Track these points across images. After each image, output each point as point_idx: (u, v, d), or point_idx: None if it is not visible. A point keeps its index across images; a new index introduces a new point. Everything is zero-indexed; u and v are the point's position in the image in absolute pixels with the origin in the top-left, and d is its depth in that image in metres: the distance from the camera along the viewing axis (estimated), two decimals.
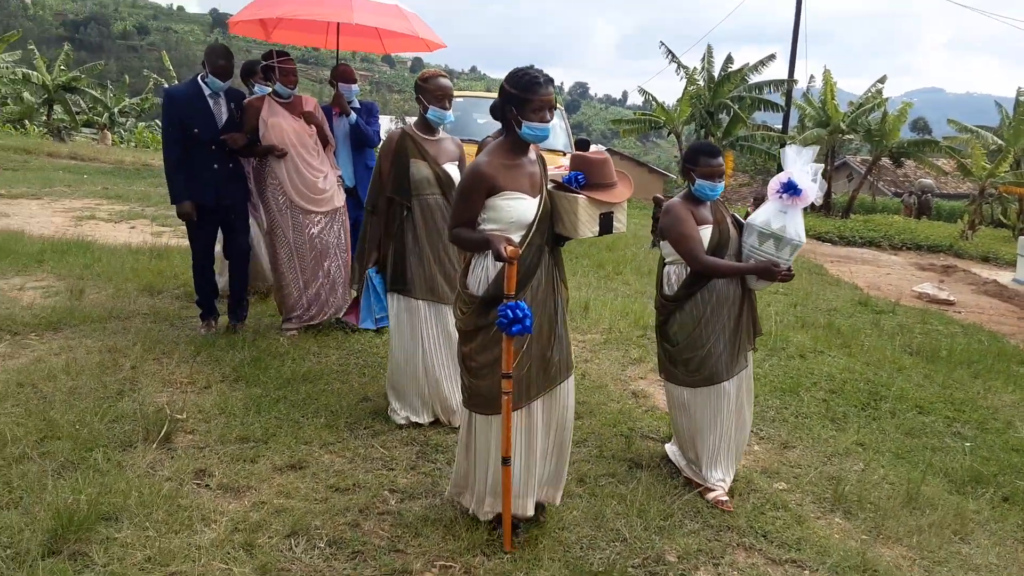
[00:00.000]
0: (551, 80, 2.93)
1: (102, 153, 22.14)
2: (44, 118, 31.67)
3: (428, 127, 4.12)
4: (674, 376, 3.79)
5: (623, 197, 3.07)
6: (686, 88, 23.76)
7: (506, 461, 2.97)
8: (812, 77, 26.97)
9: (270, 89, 5.44)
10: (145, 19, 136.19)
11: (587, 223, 2.98)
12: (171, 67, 34.40)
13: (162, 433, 3.66)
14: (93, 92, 33.53)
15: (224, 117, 5.14)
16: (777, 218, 3.57)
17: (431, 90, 4.03)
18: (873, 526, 3.68)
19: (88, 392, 4.16)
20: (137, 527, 2.94)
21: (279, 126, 5.22)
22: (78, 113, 33.01)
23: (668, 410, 3.95)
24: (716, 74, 23.73)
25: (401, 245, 4.06)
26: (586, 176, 3.05)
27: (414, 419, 4.15)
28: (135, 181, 16.07)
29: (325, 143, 5.51)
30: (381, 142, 4.52)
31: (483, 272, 3.01)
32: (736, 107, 23.48)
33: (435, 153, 4.09)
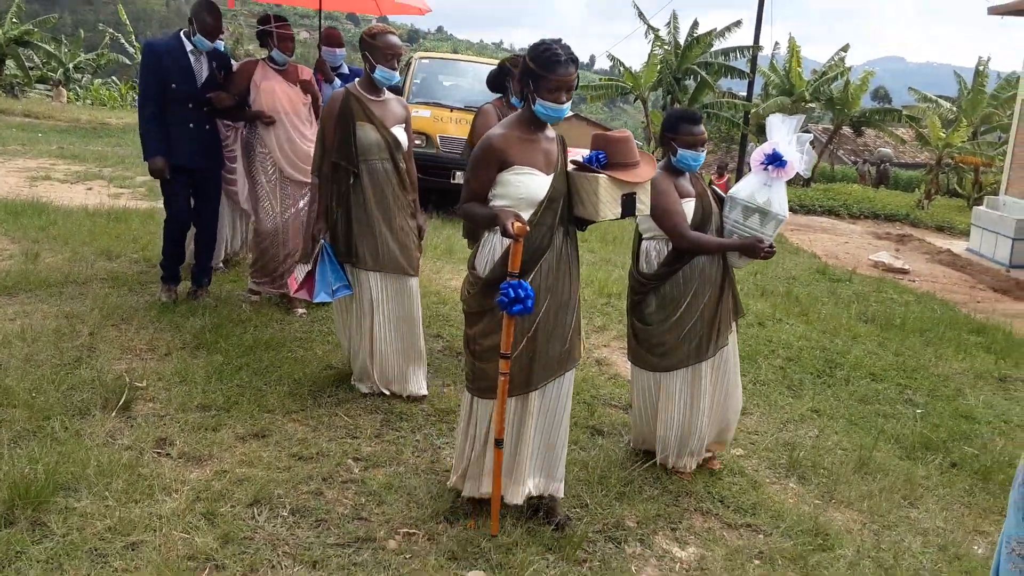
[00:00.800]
0: (575, 60, 2.79)
1: (57, 111, 21.48)
2: None
3: (373, 87, 3.93)
4: (644, 360, 3.61)
5: (646, 177, 2.93)
6: (651, 52, 23.68)
7: (499, 443, 2.90)
8: (777, 44, 27.09)
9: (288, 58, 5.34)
10: None
11: (609, 204, 2.84)
12: (127, 21, 33.46)
13: (121, 401, 3.61)
14: (47, 47, 32.37)
15: (204, 75, 4.95)
16: (761, 191, 3.45)
17: (380, 48, 3.82)
18: (826, 491, 3.79)
19: (44, 359, 4.08)
20: (96, 497, 2.91)
21: (272, 90, 5.05)
22: (31, 69, 31.92)
23: (632, 398, 3.79)
24: (682, 40, 23.68)
25: (347, 213, 3.90)
26: (607, 155, 2.90)
27: (375, 389, 4.10)
28: (92, 140, 15.67)
29: (318, 114, 5.27)
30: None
31: (490, 251, 2.91)
32: (703, 73, 23.50)
33: (381, 115, 3.91)
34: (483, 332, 2.92)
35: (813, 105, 25.27)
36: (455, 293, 6.14)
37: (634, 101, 26.21)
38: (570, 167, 2.96)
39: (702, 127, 3.48)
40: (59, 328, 4.52)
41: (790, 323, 6.90)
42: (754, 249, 3.42)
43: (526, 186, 2.83)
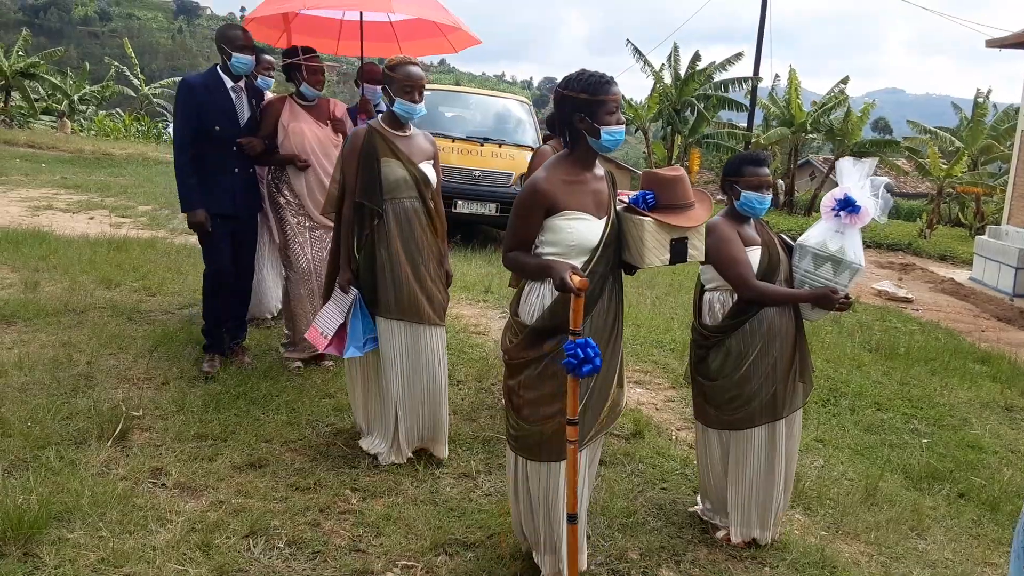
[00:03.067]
0: (613, 78, 2.64)
1: (61, 142, 21.61)
2: (2, 105, 30.87)
3: (397, 122, 3.66)
4: (710, 417, 3.33)
5: (700, 220, 2.70)
6: (654, 86, 23.89)
7: (572, 519, 2.57)
8: (777, 76, 27.27)
9: (272, 82, 5.11)
10: (107, 5, 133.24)
11: (655, 250, 2.63)
12: (133, 54, 33.82)
13: (117, 431, 3.57)
14: (52, 79, 32.72)
15: (246, 115, 4.56)
16: (833, 239, 3.22)
17: (399, 80, 3.55)
18: (832, 522, 3.73)
19: (41, 388, 4.05)
20: (90, 527, 2.87)
21: (300, 132, 4.66)
22: (37, 100, 32.22)
23: (698, 457, 3.53)
24: (683, 72, 23.88)
25: (371, 257, 3.57)
26: (656, 195, 2.70)
27: (387, 458, 3.69)
28: (95, 171, 15.74)
29: None
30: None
31: (539, 299, 2.67)
32: (701, 105, 23.67)
33: (408, 151, 3.62)
34: (526, 385, 2.69)
35: (814, 136, 25.41)
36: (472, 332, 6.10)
37: (635, 132, 26.33)
38: (619, 207, 2.77)
39: (767, 168, 3.27)
40: (56, 357, 4.50)
41: None
42: (828, 300, 3.15)
43: (578, 232, 2.60)
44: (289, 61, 4.76)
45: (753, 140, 23.37)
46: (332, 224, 4.59)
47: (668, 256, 2.66)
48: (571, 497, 2.54)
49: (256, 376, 4.48)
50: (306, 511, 3.16)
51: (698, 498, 3.64)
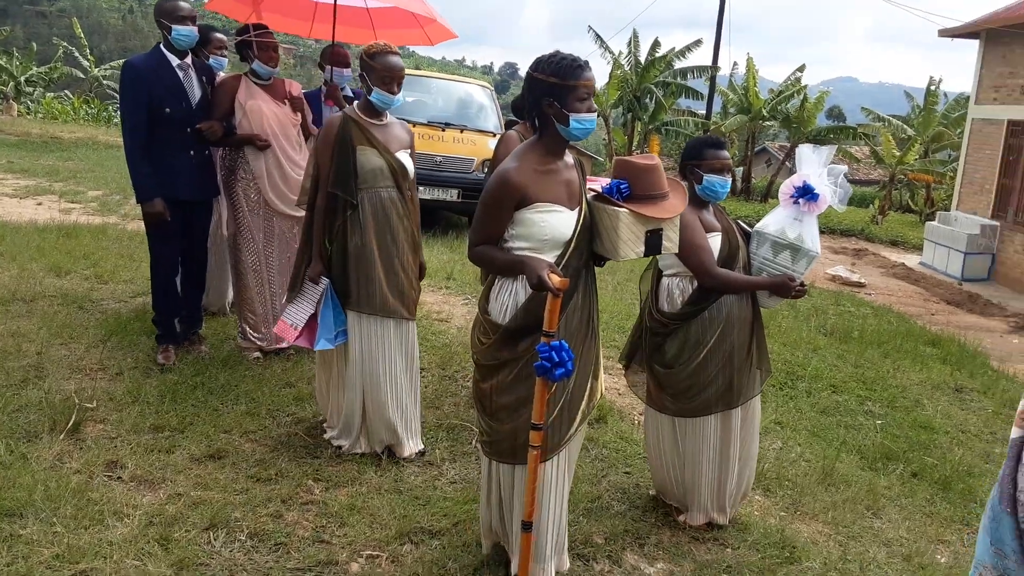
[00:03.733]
0: (587, 62, 2.49)
1: (7, 125, 20.91)
2: None
3: (373, 110, 3.52)
4: (662, 404, 3.32)
5: (675, 211, 2.59)
6: (612, 72, 23.91)
7: (526, 527, 2.51)
8: (735, 64, 27.52)
9: (227, 62, 4.90)
10: None
11: (630, 242, 2.52)
12: (82, 35, 32.77)
13: (70, 423, 3.48)
14: None
15: (198, 93, 4.34)
16: (792, 226, 3.20)
17: (378, 69, 3.41)
18: (791, 502, 3.79)
19: None
20: (43, 523, 2.79)
21: (259, 110, 4.45)
22: None
23: (648, 443, 3.52)
24: (643, 59, 23.95)
25: (343, 249, 3.46)
26: (630, 185, 2.58)
27: (351, 449, 3.63)
28: (43, 155, 15.25)
29: (307, 135, 4.73)
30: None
31: (511, 297, 2.55)
32: (660, 93, 23.78)
33: (384, 139, 3.51)
34: (499, 388, 2.58)
35: (771, 123, 25.71)
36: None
37: (595, 118, 26.35)
38: (588, 195, 2.67)
39: (727, 152, 3.24)
40: (4, 347, 4.35)
41: None
42: (785, 287, 3.14)
43: (551, 226, 2.48)
44: (240, 38, 4.59)
45: (712, 127, 23.56)
46: (288, 212, 4.56)
47: (643, 248, 2.56)
48: (528, 504, 2.48)
49: (214, 366, 4.39)
50: (268, 502, 3.12)
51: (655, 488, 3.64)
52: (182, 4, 4.23)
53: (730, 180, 3.23)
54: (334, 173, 3.42)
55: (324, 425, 3.80)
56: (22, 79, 31.76)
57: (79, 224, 7.79)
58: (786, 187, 3.29)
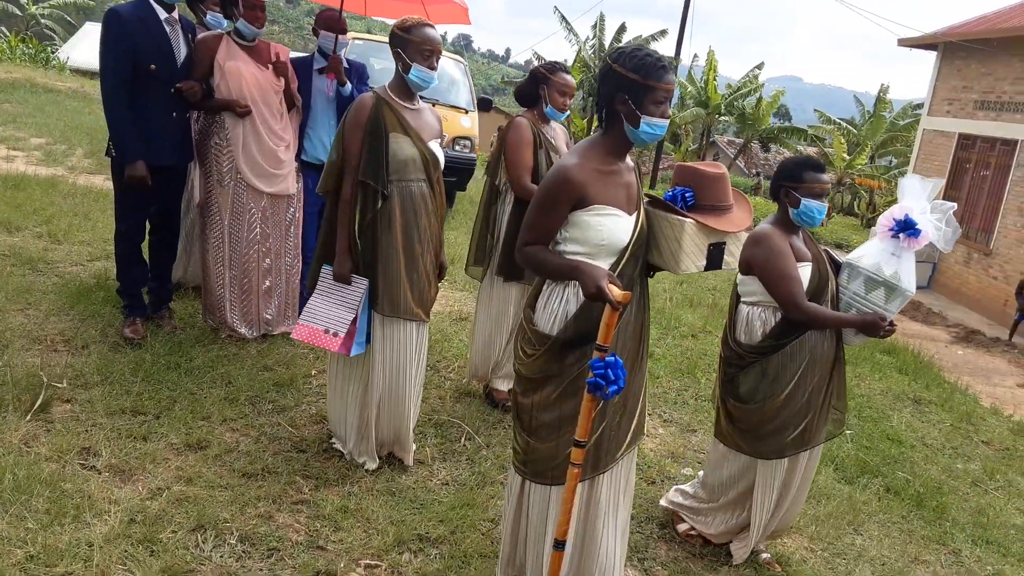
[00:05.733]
0: (673, 64, 2.39)
1: None
2: None
3: (407, 92, 3.20)
4: (732, 439, 3.11)
5: (742, 225, 2.44)
6: (577, 54, 23.81)
7: (559, 545, 2.36)
8: (696, 56, 27.70)
9: (225, 22, 4.49)
10: None
11: (693, 255, 2.36)
12: None
13: (38, 402, 3.21)
14: None
15: (183, 52, 4.01)
16: (889, 262, 2.95)
17: (416, 43, 3.08)
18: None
19: None
20: (14, 518, 2.55)
21: (238, 72, 4.11)
22: None
23: (708, 470, 3.31)
24: (607, 43, 23.89)
25: (373, 245, 3.18)
26: (695, 194, 2.43)
27: (357, 458, 3.38)
28: None
29: (290, 105, 4.39)
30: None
31: (561, 306, 2.36)
32: None
33: (418, 126, 3.20)
34: (544, 404, 2.39)
35: (727, 118, 26.03)
36: None
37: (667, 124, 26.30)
38: (644, 201, 2.49)
39: (827, 175, 3.01)
40: None
41: (719, 334, 6.96)
42: (875, 327, 2.90)
43: (608, 230, 2.30)
44: None
45: (671, 119, 23.73)
46: (260, 188, 4.22)
47: (704, 262, 2.41)
48: (563, 523, 2.33)
49: (187, 344, 4.13)
50: (257, 501, 2.92)
51: (673, 490, 3.52)
52: None
53: (826, 205, 3.01)
54: (365, 161, 3.12)
55: (333, 443, 3.49)
56: None
57: (27, 176, 7.30)
58: (885, 219, 3.03)
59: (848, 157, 23.13)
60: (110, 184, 8.00)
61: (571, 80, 3.98)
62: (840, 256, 3.23)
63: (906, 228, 2.94)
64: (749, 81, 24.46)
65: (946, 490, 4.68)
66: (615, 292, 2.15)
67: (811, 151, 29.36)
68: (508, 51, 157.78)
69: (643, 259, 2.45)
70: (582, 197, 2.28)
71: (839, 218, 25.43)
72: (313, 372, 4.20)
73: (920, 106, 26.15)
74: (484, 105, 10.81)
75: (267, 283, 4.43)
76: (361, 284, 3.22)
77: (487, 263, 4.05)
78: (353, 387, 3.38)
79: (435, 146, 3.30)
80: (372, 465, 3.35)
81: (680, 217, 2.37)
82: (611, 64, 2.31)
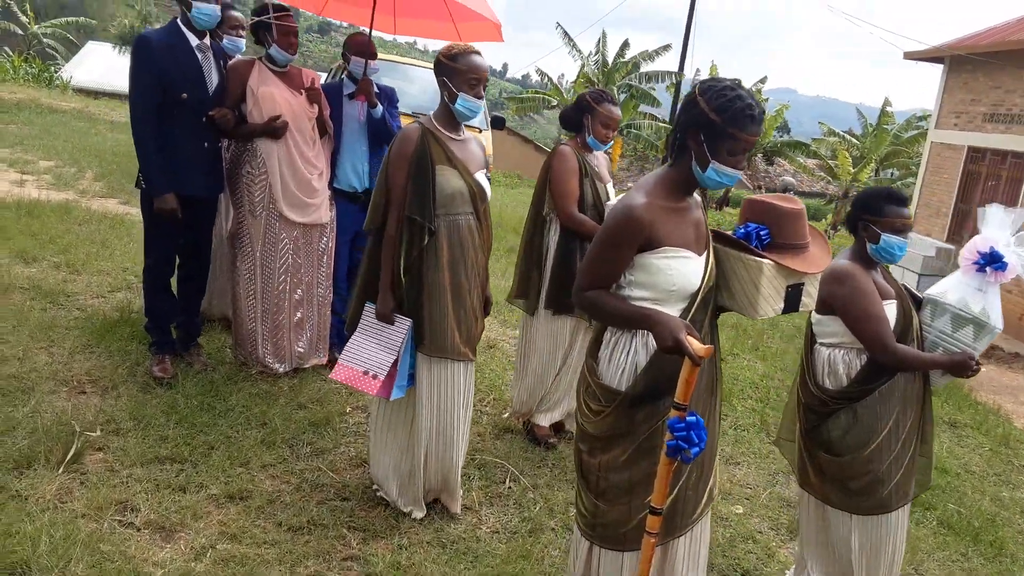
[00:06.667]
0: (764, 113, 2.12)
1: None
2: None
3: (453, 122, 3.07)
4: (825, 494, 2.87)
5: (822, 266, 2.26)
6: (580, 70, 23.78)
7: None
8: (698, 70, 27.69)
9: (244, 44, 4.40)
10: None
11: (770, 298, 2.18)
12: None
13: (71, 453, 3.05)
14: None
15: (215, 80, 3.90)
16: (976, 298, 2.79)
17: (462, 71, 2.96)
18: None
19: None
20: None
21: (271, 98, 3.99)
22: None
23: (802, 528, 3.10)
24: (610, 59, 23.85)
25: (419, 283, 3.03)
26: (772, 231, 2.24)
27: (404, 507, 3.21)
28: None
29: (322, 131, 4.27)
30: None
31: (628, 358, 2.18)
32: (623, 98, 23.78)
33: (464, 158, 3.08)
34: (613, 465, 2.22)
35: None
36: None
37: (558, 111, 26.22)
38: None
39: (908, 208, 2.80)
40: None
41: (747, 358, 6.82)
42: (964, 367, 2.74)
43: (679, 274, 2.13)
44: (258, 19, 4.11)
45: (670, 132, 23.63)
46: (295, 219, 4.09)
47: (782, 305, 2.22)
48: None
49: (218, 382, 3.98)
50: (305, 559, 2.76)
51: (793, 571, 3.29)
52: None
53: (908, 241, 2.80)
54: (411, 195, 2.98)
55: (376, 490, 3.32)
56: None
57: (40, 202, 7.15)
58: (968, 252, 2.88)
59: (853, 170, 23.06)
60: (124, 209, 7.95)
61: (616, 112, 3.86)
62: (919, 291, 3.05)
63: (992, 261, 2.79)
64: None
65: (1000, 522, 4.53)
66: (695, 346, 1.96)
67: (812, 164, 29.32)
68: (506, 65, 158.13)
69: (713, 302, 2.26)
70: (650, 238, 2.10)
71: (843, 230, 25.39)
72: (348, 409, 4.04)
73: (924, 118, 26.21)
74: (497, 123, 10.72)
75: (298, 315, 4.29)
76: (404, 324, 3.06)
77: (532, 295, 3.91)
78: (398, 432, 3.23)
79: (482, 177, 3.17)
80: (420, 514, 3.19)
81: (757, 258, 2.18)
82: (696, 95, 2.10)
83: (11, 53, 30.42)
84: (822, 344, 2.86)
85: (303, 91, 4.15)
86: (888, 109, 24.89)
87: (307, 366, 4.38)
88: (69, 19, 36.46)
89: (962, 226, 14.81)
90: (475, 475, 3.62)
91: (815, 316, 2.86)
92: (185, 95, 3.75)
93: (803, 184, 39.52)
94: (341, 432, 3.78)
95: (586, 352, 2.34)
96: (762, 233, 2.24)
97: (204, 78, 3.85)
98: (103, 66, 37.59)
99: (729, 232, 2.33)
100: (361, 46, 4.43)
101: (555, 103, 24.95)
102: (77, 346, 4.14)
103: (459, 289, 3.08)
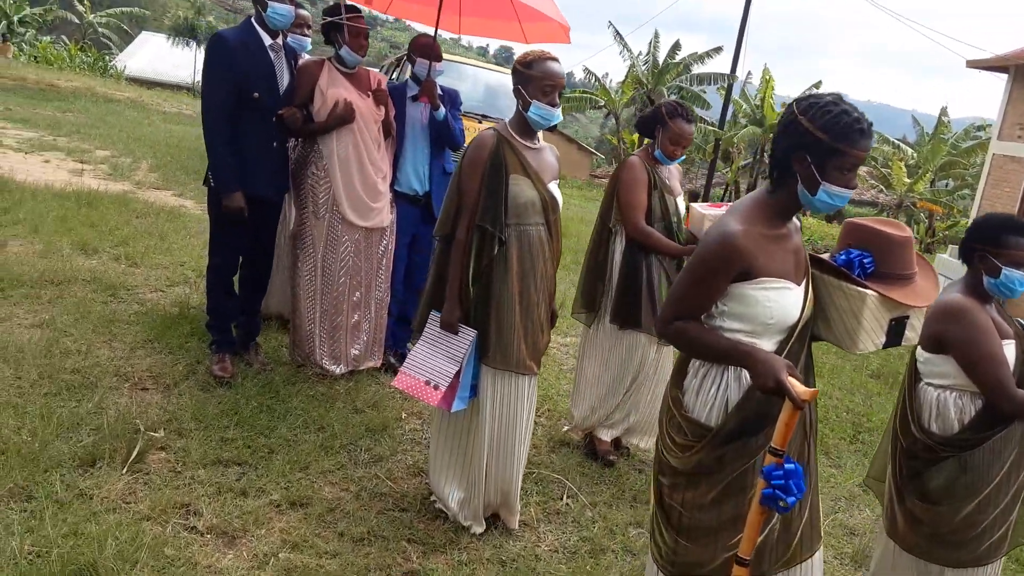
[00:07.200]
0: (872, 126, 1.98)
1: (2, 67, 20.07)
2: None
3: (528, 130, 2.99)
4: (913, 543, 2.65)
5: (930, 299, 2.13)
6: (630, 71, 23.58)
7: None
8: (749, 73, 27.24)
9: (308, 43, 4.40)
10: None
11: (872, 332, 2.05)
12: None
13: (135, 453, 3.04)
14: None
15: (287, 79, 3.90)
16: None
17: (537, 78, 2.87)
18: None
19: (32, 386, 3.46)
20: None
21: (340, 99, 3.97)
22: None
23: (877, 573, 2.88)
24: (661, 60, 23.62)
25: (487, 294, 2.95)
26: (876, 260, 2.11)
27: (463, 521, 3.13)
28: (40, 104, 14.57)
29: (387, 133, 4.24)
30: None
31: (719, 392, 2.05)
32: (675, 96, 23.52)
33: (538, 167, 2.99)
34: (698, 503, 2.08)
35: None
36: None
37: (607, 116, 26.06)
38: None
39: None
40: (43, 342, 3.89)
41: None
42: None
43: (778, 306, 1.98)
44: (330, 19, 4.06)
45: (724, 136, 23.31)
46: (359, 223, 4.06)
47: (884, 339, 2.08)
48: None
49: (277, 383, 3.96)
50: (367, 572, 2.71)
51: None
52: None
53: None
54: (483, 203, 2.90)
55: (435, 502, 3.26)
56: (15, 19, 30.67)
57: (98, 192, 7.25)
58: None
59: (908, 180, 22.52)
60: (179, 201, 8.04)
61: (689, 129, 3.68)
62: None
63: None
64: None
65: None
66: (798, 388, 1.80)
67: (863, 172, 28.71)
68: None
69: (810, 333, 2.12)
70: (747, 268, 1.96)
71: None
72: (403, 415, 4.00)
73: (982, 127, 25.51)
74: None
75: (355, 317, 4.26)
76: (468, 335, 2.99)
77: (597, 308, 3.82)
78: (459, 445, 3.16)
79: (554, 187, 3.09)
80: (479, 529, 3.13)
81: (861, 289, 2.04)
82: (796, 114, 1.96)
83: (68, 41, 31.13)
84: (930, 384, 2.61)
85: (370, 93, 4.11)
86: (943, 119, 24.27)
87: (362, 368, 4.36)
88: (123, 9, 37.23)
89: None
90: (532, 490, 3.55)
91: (922, 354, 2.64)
92: (257, 94, 3.74)
93: (854, 192, 38.93)
94: (398, 439, 3.73)
95: (670, 381, 2.22)
96: (865, 261, 2.10)
97: (276, 78, 3.84)
98: (156, 56, 38.38)
99: (826, 256, 2.19)
100: (426, 48, 4.38)
101: (602, 103, 24.78)
102: (138, 341, 4.16)
103: (528, 301, 3.00)
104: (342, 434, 3.62)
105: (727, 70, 22.95)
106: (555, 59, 2.94)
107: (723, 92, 23.16)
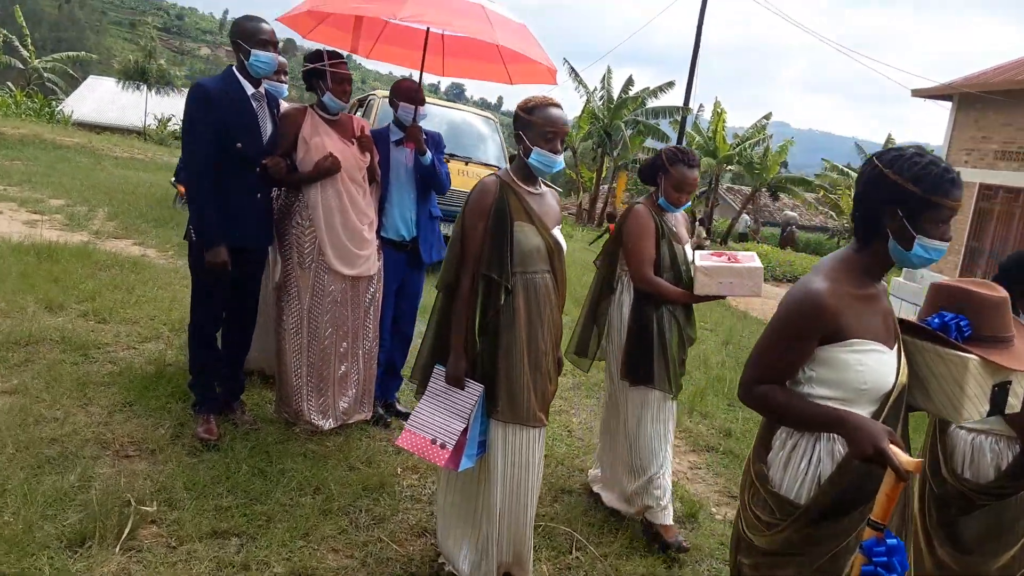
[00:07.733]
0: (960, 175, 1.90)
1: None
2: None
3: (530, 176, 2.92)
4: None
5: None
6: (586, 106, 23.89)
7: None
8: (701, 106, 27.81)
9: (286, 89, 4.30)
10: None
11: (976, 399, 1.93)
12: (24, 23, 31.12)
13: (127, 530, 2.85)
14: None
15: (269, 128, 3.80)
16: None
17: (539, 124, 2.80)
18: None
19: (9, 460, 3.24)
20: None
21: (323, 148, 3.87)
22: None
23: None
24: (615, 95, 23.99)
25: (494, 346, 2.84)
26: (972, 323, 2.00)
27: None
28: None
29: (371, 179, 4.17)
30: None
31: (811, 465, 1.93)
32: (629, 132, 23.87)
33: (542, 213, 2.92)
34: None
35: (733, 167, 26.08)
36: None
37: (564, 150, 26.30)
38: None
39: None
40: (16, 410, 3.67)
41: None
42: None
43: (871, 370, 1.87)
44: (312, 66, 3.98)
45: None
46: (345, 272, 3.96)
47: (988, 407, 1.95)
48: None
49: (266, 442, 3.79)
50: None
51: None
52: (264, 26, 3.68)
53: None
54: (488, 251, 2.81)
55: (443, 563, 3.12)
56: None
57: (58, 244, 6.98)
58: None
59: None
60: (141, 251, 7.78)
61: (692, 175, 3.60)
62: None
63: None
64: (757, 131, 24.54)
65: None
66: (902, 458, 1.68)
67: (811, 198, 29.39)
68: (500, 99, 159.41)
69: (905, 402, 1.99)
70: (836, 329, 1.86)
71: None
72: (399, 471, 3.86)
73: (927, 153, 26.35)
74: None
75: (342, 368, 4.12)
76: (475, 390, 2.88)
77: (589, 355, 3.77)
78: (468, 504, 3.04)
79: (558, 233, 3.02)
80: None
81: (962, 353, 1.92)
82: (882, 169, 1.88)
83: (13, 88, 30.45)
84: (962, 428, 2.55)
85: (354, 140, 4.03)
86: (890, 145, 25.10)
87: (351, 422, 4.21)
88: (69, 53, 36.60)
89: (974, 264, 14.76)
90: (540, 544, 3.43)
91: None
92: (240, 144, 3.62)
93: (803, 217, 39.71)
94: (397, 497, 3.59)
95: (752, 455, 2.10)
96: (962, 324, 2.00)
97: (259, 127, 3.73)
98: (104, 100, 37.74)
99: (914, 319, 2.10)
100: (410, 92, 4.32)
101: None
102: (116, 404, 3.96)
103: (536, 351, 2.90)
104: (340, 495, 3.47)
105: (680, 103, 23.41)
106: (557, 105, 2.88)
107: (676, 125, 23.59)
